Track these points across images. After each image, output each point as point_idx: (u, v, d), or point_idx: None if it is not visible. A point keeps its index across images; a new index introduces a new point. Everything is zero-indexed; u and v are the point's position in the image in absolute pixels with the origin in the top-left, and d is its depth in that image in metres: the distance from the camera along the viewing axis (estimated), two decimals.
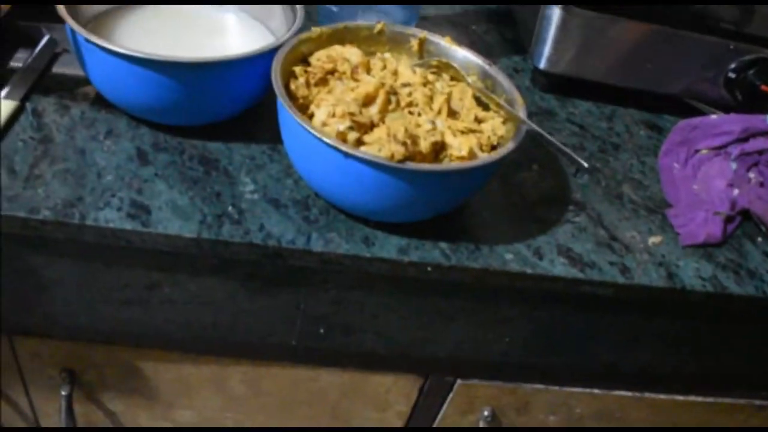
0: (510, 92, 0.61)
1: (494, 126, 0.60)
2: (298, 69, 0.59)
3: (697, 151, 0.75)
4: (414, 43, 0.65)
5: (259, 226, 0.57)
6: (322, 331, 0.66)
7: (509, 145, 0.55)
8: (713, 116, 0.76)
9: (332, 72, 0.60)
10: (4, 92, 0.63)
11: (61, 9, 0.59)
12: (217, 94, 0.60)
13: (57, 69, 0.68)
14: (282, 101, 0.53)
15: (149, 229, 0.55)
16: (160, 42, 0.65)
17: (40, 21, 0.72)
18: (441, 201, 0.56)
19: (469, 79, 0.63)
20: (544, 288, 0.61)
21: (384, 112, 0.57)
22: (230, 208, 0.58)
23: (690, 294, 0.62)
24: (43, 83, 0.66)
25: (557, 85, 0.80)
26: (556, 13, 0.75)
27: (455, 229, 0.61)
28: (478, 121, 0.60)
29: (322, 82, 0.59)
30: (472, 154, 0.55)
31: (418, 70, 0.62)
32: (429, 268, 0.58)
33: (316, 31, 0.62)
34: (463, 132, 0.57)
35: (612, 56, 0.77)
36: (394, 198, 0.53)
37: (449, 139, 0.56)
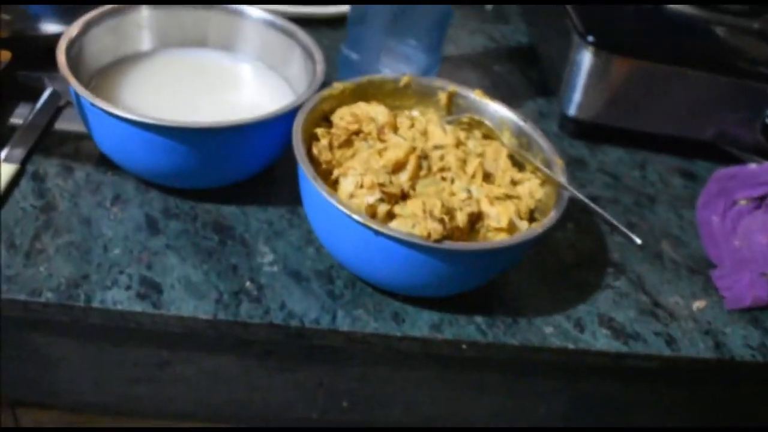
0: (547, 151, 0.57)
1: (531, 189, 0.55)
2: (320, 130, 0.55)
3: (735, 202, 0.71)
4: (442, 97, 0.61)
5: (280, 303, 0.53)
6: (345, 404, 0.61)
7: (552, 215, 0.51)
8: (752, 165, 0.71)
9: (357, 132, 0.56)
10: (3, 153, 0.59)
11: (63, 65, 0.55)
12: (232, 159, 0.56)
13: (60, 125, 0.64)
14: (306, 171, 0.49)
15: (161, 310, 0.50)
16: (171, 98, 0.61)
17: (42, 70, 0.68)
18: (478, 277, 0.52)
19: (503, 138, 0.58)
20: (586, 362, 0.57)
21: (415, 178, 0.53)
22: (248, 284, 0.53)
23: (739, 365, 0.58)
24: (44, 141, 0.62)
25: (587, 131, 0.76)
26: (587, 58, 0.71)
27: (490, 300, 0.56)
28: (514, 183, 0.56)
29: (347, 143, 0.55)
30: (511, 226, 0.51)
31: (449, 128, 0.57)
32: (464, 346, 0.54)
33: (338, 87, 0.58)
34: (499, 198, 0.53)
35: (645, 102, 0.73)
36: (428, 276, 0.49)
37: (486, 207, 0.52)
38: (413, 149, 0.53)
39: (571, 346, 0.55)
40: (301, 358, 0.56)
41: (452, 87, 0.61)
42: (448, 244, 0.46)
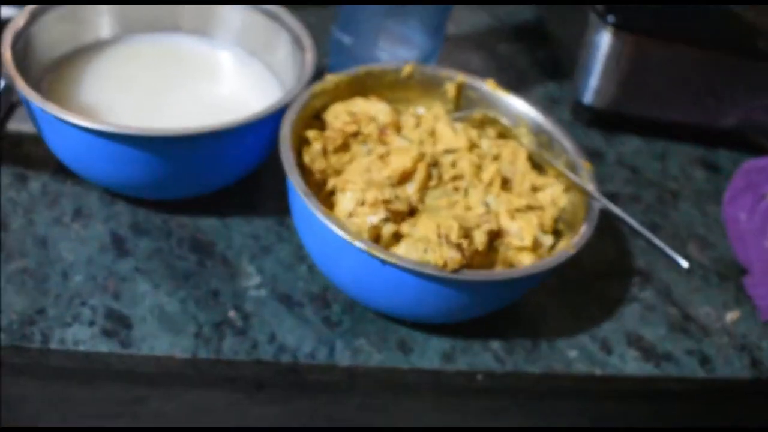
0: (571, 152, 0.50)
1: (554, 196, 0.49)
2: (312, 133, 0.48)
3: (763, 196, 0.65)
4: (450, 89, 0.54)
5: (269, 335, 0.46)
6: None
7: (583, 232, 0.44)
8: None
9: (354, 134, 0.48)
10: None
11: (7, 62, 0.47)
12: (209, 167, 0.49)
13: (13, 125, 0.56)
14: (297, 187, 0.42)
15: (130, 349, 0.44)
16: (137, 94, 0.53)
17: None
18: (498, 304, 0.46)
19: (521, 137, 0.51)
20: (613, 388, 0.51)
21: (424, 189, 0.46)
22: (232, 312, 0.47)
23: None
24: None
25: (603, 120, 0.69)
26: (606, 40, 0.63)
27: (507, 322, 0.50)
28: (534, 189, 0.49)
29: (343, 148, 0.48)
30: (535, 243, 0.45)
31: (460, 127, 0.50)
32: (480, 377, 0.48)
33: (331, 80, 0.51)
34: (520, 210, 0.46)
35: (667, 88, 0.66)
36: (441, 306, 0.43)
37: (506, 222, 0.45)
38: (422, 156, 0.46)
39: (598, 371, 0.49)
40: (294, 392, 0.50)
41: (461, 77, 0.54)
42: (467, 274, 0.40)
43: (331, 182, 0.47)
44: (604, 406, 0.55)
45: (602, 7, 0.64)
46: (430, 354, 0.47)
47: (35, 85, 0.50)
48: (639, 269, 0.57)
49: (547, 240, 0.46)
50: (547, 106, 0.70)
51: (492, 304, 0.45)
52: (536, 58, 0.76)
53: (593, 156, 0.66)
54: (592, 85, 0.66)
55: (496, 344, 0.49)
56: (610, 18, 0.63)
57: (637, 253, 0.58)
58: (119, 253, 0.48)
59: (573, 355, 0.50)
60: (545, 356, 0.49)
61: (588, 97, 0.66)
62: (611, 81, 0.65)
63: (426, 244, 0.41)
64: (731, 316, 0.55)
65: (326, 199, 0.46)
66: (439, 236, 0.40)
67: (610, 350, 0.51)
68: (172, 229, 0.51)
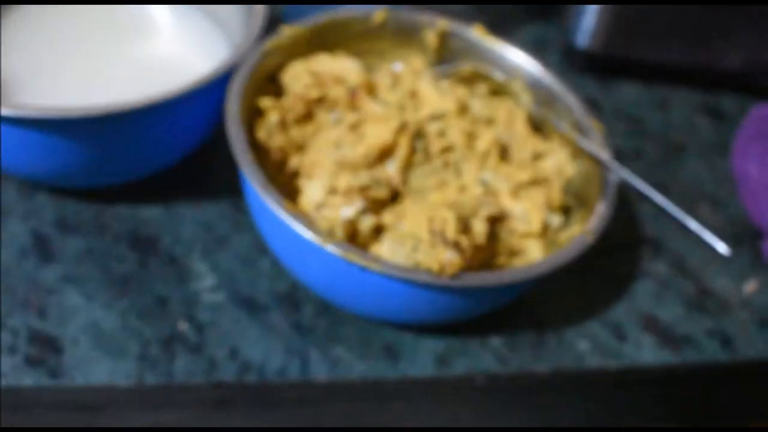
0: (577, 112, 0.43)
1: (560, 164, 0.41)
2: (266, 102, 0.39)
3: None
4: (430, 37, 0.45)
5: (230, 350, 0.38)
6: None
7: (600, 212, 0.37)
8: None
9: (319, 100, 0.40)
10: None
11: None
12: (144, 148, 0.40)
13: None
14: (251, 180, 0.33)
15: (62, 380, 0.36)
16: (57, 62, 0.44)
17: None
18: (502, 303, 0.39)
19: (519, 95, 0.44)
20: (629, 379, 0.45)
21: (408, 167, 0.38)
22: (183, 325, 0.39)
23: None
24: None
25: (597, 65, 0.61)
26: None
27: (507, 314, 0.43)
28: (537, 156, 0.42)
29: (306, 117, 0.40)
30: (544, 227, 0.37)
31: (446, 86, 0.42)
32: (480, 380, 0.41)
33: (287, 33, 0.42)
34: (523, 186, 0.39)
35: (670, 27, 0.58)
36: (435, 312, 0.36)
37: (507, 203, 0.38)
38: (403, 125, 0.38)
39: (612, 364, 0.43)
40: (268, 406, 0.43)
41: (443, 23, 0.45)
42: (468, 279, 0.32)
43: (294, 161, 0.38)
44: (618, 395, 0.50)
45: None
46: (421, 359, 0.40)
47: None
48: (648, 238, 0.50)
49: (556, 220, 0.39)
50: (533, 50, 0.62)
51: (495, 305, 0.38)
52: None
53: (589, 106, 0.59)
54: (586, 26, 0.58)
55: (496, 341, 0.42)
56: None
57: (644, 220, 0.51)
58: (43, 257, 0.40)
59: (584, 346, 0.43)
60: (553, 351, 0.42)
61: (581, 39, 0.58)
62: (608, 20, 0.57)
63: (415, 242, 0.33)
64: (750, 287, 0.49)
65: (289, 182, 0.38)
66: (431, 232, 0.33)
67: (625, 337, 0.44)
68: (107, 224, 0.42)
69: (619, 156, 0.55)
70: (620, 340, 0.44)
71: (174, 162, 0.43)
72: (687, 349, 0.45)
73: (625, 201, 0.52)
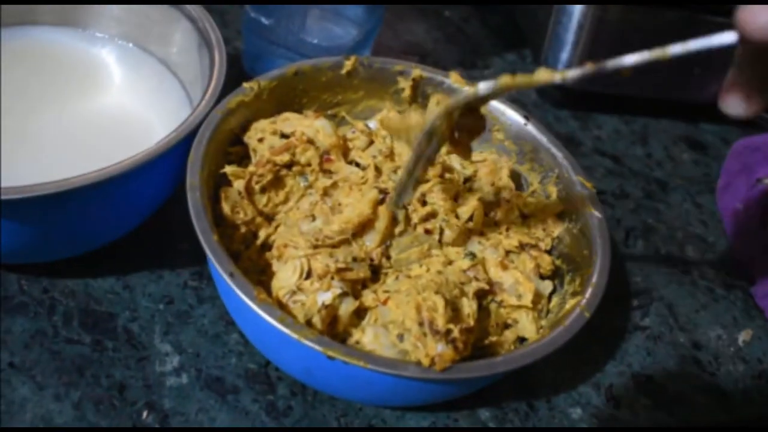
0: (565, 165, 0.40)
1: (547, 222, 0.39)
2: (231, 171, 0.36)
3: (758, 180, 0.56)
4: (404, 85, 0.42)
5: None
6: None
7: (595, 283, 0.34)
8: None
9: (289, 164, 0.37)
10: None
11: None
12: (95, 221, 0.36)
13: None
14: (219, 269, 0.30)
15: None
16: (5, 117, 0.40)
17: None
18: (491, 383, 0.36)
19: (503, 150, 0.41)
20: None
21: (388, 238, 0.35)
22: (146, 415, 0.35)
23: None
24: None
25: (574, 98, 0.59)
26: (579, 8, 0.53)
27: (497, 385, 0.40)
28: (523, 215, 0.39)
29: (274, 183, 0.36)
30: (536, 297, 0.35)
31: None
32: None
33: (251, 88, 0.38)
34: (511, 252, 0.36)
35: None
36: (421, 398, 0.33)
37: (496, 274, 0.35)
38: (381, 194, 0.35)
39: None
40: None
41: (417, 71, 0.42)
42: (460, 371, 0.30)
43: (263, 233, 0.35)
44: None
45: None
46: None
47: None
48: (637, 285, 0.48)
49: (547, 287, 0.36)
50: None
51: (485, 385, 0.36)
52: (489, 25, 0.65)
53: (567, 143, 0.56)
54: (563, 61, 0.56)
55: (485, 414, 0.39)
56: None
57: (632, 264, 0.49)
58: None
59: (577, 414, 0.41)
60: (545, 421, 0.40)
61: None
62: (586, 56, 0.55)
63: (402, 330, 0.30)
64: (744, 336, 0.47)
65: (258, 257, 0.35)
66: (420, 324, 0.30)
67: (619, 402, 0.42)
68: (57, 301, 0.38)
69: (602, 197, 0.53)
70: (615, 406, 0.42)
71: (129, 230, 0.40)
72: (683, 410, 0.43)
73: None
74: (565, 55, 0.55)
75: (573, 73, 0.29)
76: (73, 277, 0.39)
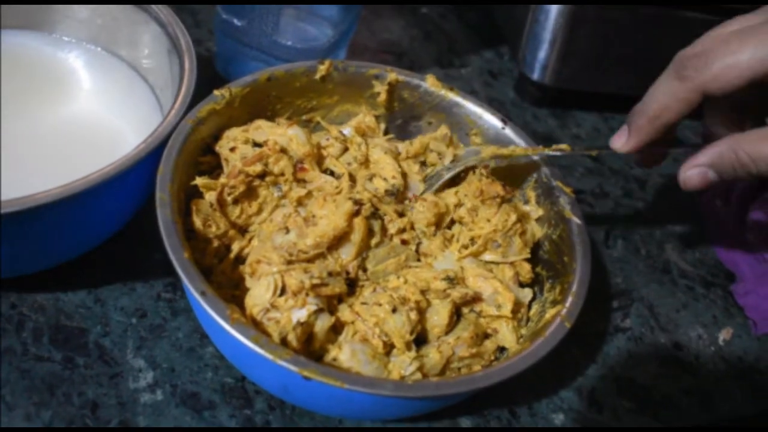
0: (544, 170, 0.39)
1: (531, 228, 0.38)
2: (202, 182, 0.35)
3: None
4: (379, 90, 0.42)
5: None
6: None
7: (575, 291, 0.34)
8: None
9: (262, 175, 0.36)
10: None
11: None
12: (64, 235, 0.35)
13: None
14: (191, 288, 0.29)
15: None
16: None
17: None
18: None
19: (483, 154, 0.40)
20: None
21: (364, 249, 0.34)
22: None
23: None
24: None
25: (551, 96, 0.58)
26: (555, 7, 0.52)
27: (478, 393, 0.40)
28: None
29: (247, 194, 0.35)
30: (516, 306, 0.34)
31: (401, 147, 0.38)
32: None
33: (221, 96, 0.37)
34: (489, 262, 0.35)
35: (626, 57, 0.56)
36: (401, 412, 0.32)
37: (476, 283, 0.34)
38: (357, 207, 0.34)
39: None
40: None
41: (393, 75, 0.42)
42: (440, 387, 0.29)
43: (236, 246, 0.34)
44: None
45: None
46: None
47: None
48: (617, 286, 0.48)
49: (527, 295, 0.36)
50: (486, 82, 0.59)
51: (466, 397, 0.35)
52: (466, 22, 0.64)
53: (546, 141, 0.56)
54: (541, 60, 0.55)
55: (467, 422, 0.39)
56: None
57: (612, 264, 0.49)
58: None
59: (560, 419, 0.40)
60: (527, 426, 0.39)
61: (536, 73, 0.56)
62: (564, 54, 0.54)
63: (372, 349, 0.30)
64: (724, 335, 0.47)
65: (231, 270, 0.34)
66: (406, 346, 0.29)
67: (601, 406, 0.42)
68: (25, 317, 0.37)
69: (581, 196, 0.53)
70: (598, 410, 0.41)
71: (99, 243, 0.39)
72: (666, 413, 0.43)
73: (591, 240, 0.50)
74: (542, 54, 0.55)
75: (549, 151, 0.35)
76: (42, 292, 0.38)
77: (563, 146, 0.38)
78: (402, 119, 0.43)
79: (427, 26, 0.62)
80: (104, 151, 0.40)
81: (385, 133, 0.43)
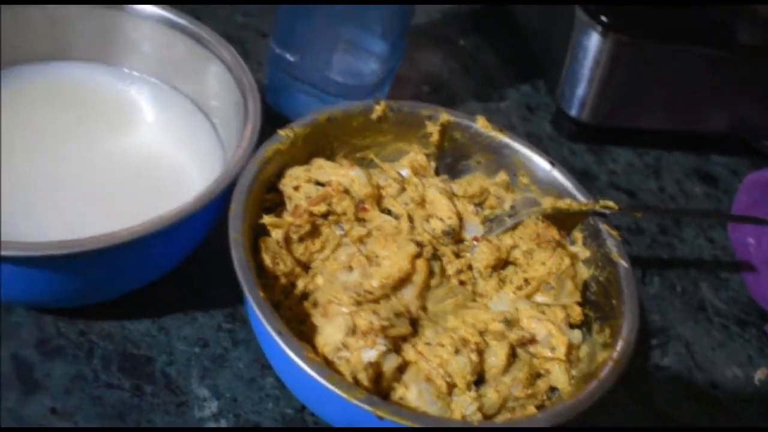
0: (592, 215, 0.41)
1: (578, 272, 0.40)
2: (270, 221, 0.36)
3: None
4: (432, 130, 0.43)
5: None
6: None
7: (625, 335, 0.36)
8: None
9: (325, 214, 0.37)
10: None
11: None
12: (134, 270, 0.37)
13: None
14: (267, 326, 0.31)
15: None
16: (22, 157, 0.40)
17: None
18: None
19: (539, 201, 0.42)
20: None
21: (426, 291, 0.36)
22: None
23: None
24: None
25: (588, 131, 0.60)
26: (595, 41, 0.54)
27: None
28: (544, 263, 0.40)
29: (311, 233, 0.37)
30: (569, 349, 0.36)
31: (456, 188, 0.40)
32: None
33: (286, 136, 0.39)
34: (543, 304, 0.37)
35: (664, 95, 0.58)
36: None
37: (530, 324, 0.36)
38: (419, 249, 0.35)
39: None
40: None
41: (445, 116, 0.43)
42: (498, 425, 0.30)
43: (301, 283, 0.36)
44: None
45: (593, 5, 0.54)
46: None
47: None
48: (655, 323, 0.49)
49: (577, 336, 0.37)
50: (523, 116, 0.61)
51: None
52: (502, 54, 0.66)
53: (583, 176, 0.57)
54: (580, 96, 0.57)
55: None
56: (604, 18, 0.53)
57: (648, 300, 0.50)
58: (27, 388, 0.36)
59: None
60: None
61: (574, 109, 0.57)
62: (603, 92, 0.56)
63: (435, 392, 0.31)
64: (759, 374, 0.49)
65: (296, 306, 0.36)
66: (470, 392, 0.31)
67: None
68: (94, 344, 0.39)
69: (620, 233, 0.54)
70: None
71: (161, 277, 0.40)
72: None
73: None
74: (581, 91, 0.56)
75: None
76: (109, 319, 0.40)
77: (610, 204, 0.40)
78: (452, 158, 0.45)
79: (465, 60, 0.64)
80: (167, 184, 0.42)
81: (436, 170, 0.44)
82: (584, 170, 0.58)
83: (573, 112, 0.57)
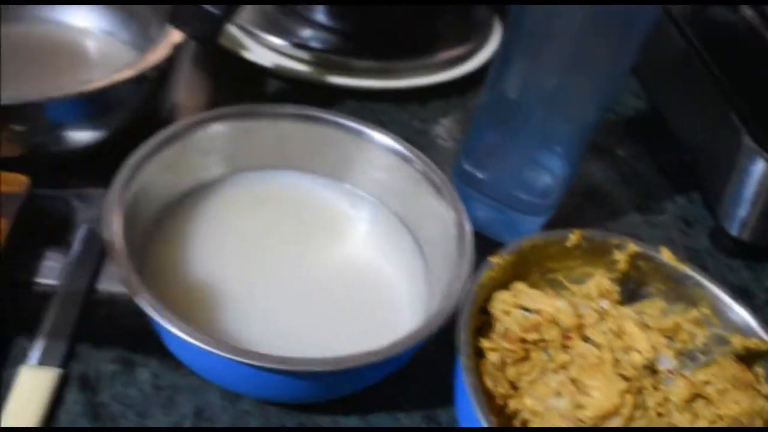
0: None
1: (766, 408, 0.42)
2: (487, 344, 0.40)
3: None
4: (619, 258, 0.46)
5: None
6: None
7: None
8: None
9: (535, 341, 0.41)
10: (36, 352, 0.43)
11: (120, 254, 0.40)
12: (349, 384, 0.42)
13: (104, 284, 0.48)
14: None
15: None
16: (258, 260, 0.46)
17: (64, 185, 0.51)
18: None
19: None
20: None
21: (630, 422, 0.39)
22: None
23: None
24: (87, 317, 0.46)
25: (747, 249, 0.62)
26: (761, 168, 0.56)
27: None
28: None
29: (522, 358, 0.41)
30: None
31: (647, 320, 0.43)
32: None
33: (498, 262, 0.43)
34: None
35: None
36: None
37: None
38: (628, 386, 0.39)
39: None
40: None
41: (633, 246, 0.46)
42: None
43: (512, 403, 0.39)
44: None
45: (761, 132, 0.57)
46: None
47: (138, 248, 0.44)
48: None
49: None
50: (681, 230, 0.63)
51: None
52: (658, 163, 0.69)
53: (741, 293, 0.59)
54: (742, 216, 0.59)
55: None
56: None
57: None
58: None
59: None
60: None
61: (735, 229, 0.59)
62: (766, 214, 0.58)
63: None
64: None
65: (507, 423, 0.39)
66: None
67: None
68: None
69: None
70: None
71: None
72: None
73: None
74: (743, 212, 0.58)
75: None
76: (323, 413, 0.44)
77: None
78: (634, 284, 0.48)
79: (623, 170, 0.67)
80: (378, 297, 0.47)
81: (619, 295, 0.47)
82: (742, 287, 0.60)
83: (734, 232, 0.59)
